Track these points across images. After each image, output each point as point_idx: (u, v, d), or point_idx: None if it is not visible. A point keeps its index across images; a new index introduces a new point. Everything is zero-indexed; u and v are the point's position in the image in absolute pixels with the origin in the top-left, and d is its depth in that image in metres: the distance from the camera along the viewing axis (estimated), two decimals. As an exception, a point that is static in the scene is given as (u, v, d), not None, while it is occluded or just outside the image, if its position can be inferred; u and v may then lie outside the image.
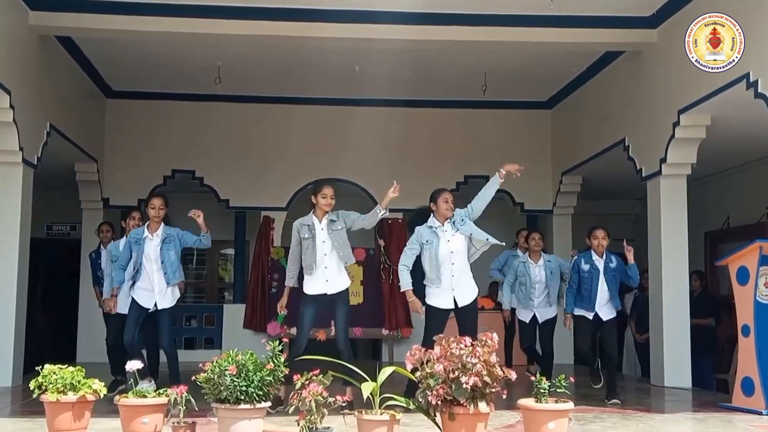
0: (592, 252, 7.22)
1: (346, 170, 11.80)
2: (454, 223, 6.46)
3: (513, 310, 8.34)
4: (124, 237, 7.44)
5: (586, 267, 7.17)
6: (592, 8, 8.39)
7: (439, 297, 6.40)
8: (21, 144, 8.10)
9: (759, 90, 6.69)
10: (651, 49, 8.78)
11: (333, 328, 6.61)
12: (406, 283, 6.43)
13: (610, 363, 7.27)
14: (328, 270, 6.47)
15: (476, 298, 6.53)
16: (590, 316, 7.16)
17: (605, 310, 7.17)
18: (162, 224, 6.91)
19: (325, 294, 6.47)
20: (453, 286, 6.37)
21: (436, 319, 6.39)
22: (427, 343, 6.02)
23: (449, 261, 6.37)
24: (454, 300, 6.38)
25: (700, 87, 7.64)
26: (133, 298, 6.86)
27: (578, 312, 7.24)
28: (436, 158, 11.87)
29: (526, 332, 7.97)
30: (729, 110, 7.76)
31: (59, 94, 9.39)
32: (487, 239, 6.38)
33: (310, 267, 6.45)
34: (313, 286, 6.48)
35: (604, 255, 7.19)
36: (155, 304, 6.81)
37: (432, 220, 6.52)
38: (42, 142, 8.74)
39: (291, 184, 11.79)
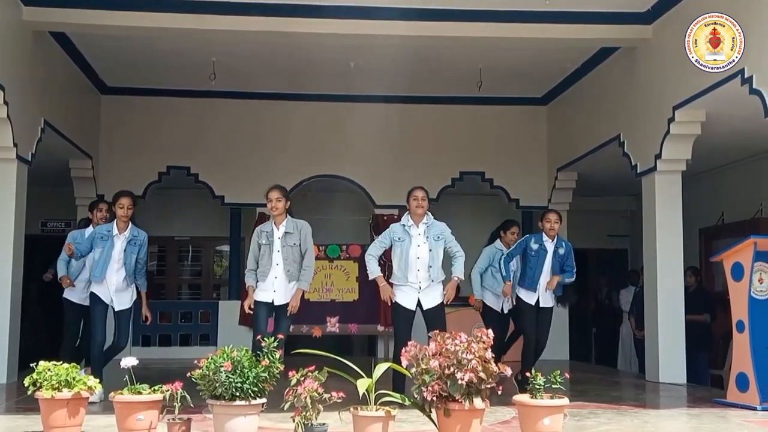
0: (543, 234, 7.26)
1: (341, 166, 11.80)
2: (428, 229, 6.44)
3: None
4: (90, 227, 7.33)
5: (534, 246, 7.21)
6: (588, 4, 8.39)
7: (405, 296, 6.42)
8: (15, 140, 8.07)
9: (754, 86, 6.69)
10: (646, 45, 8.79)
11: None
12: (374, 270, 6.50)
13: (539, 352, 7.26)
14: (277, 281, 6.44)
15: (442, 302, 6.46)
16: (532, 301, 7.18)
17: (546, 297, 7.20)
18: (129, 224, 6.88)
19: (272, 302, 6.47)
20: (419, 287, 6.38)
21: (401, 317, 6.42)
22: (398, 344, 6.09)
23: (415, 265, 6.37)
24: (419, 301, 6.39)
25: (695, 83, 7.65)
26: (94, 294, 6.80)
27: (522, 293, 7.24)
28: (432, 154, 11.86)
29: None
30: (724, 106, 7.76)
31: (54, 90, 9.36)
32: (454, 273, 6.37)
33: (263, 273, 6.45)
34: (261, 294, 6.48)
35: (555, 239, 7.23)
36: (111, 302, 6.80)
37: (405, 218, 6.53)
38: (36, 138, 8.71)
39: (287, 180, 11.62)
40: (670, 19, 8.23)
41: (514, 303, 7.46)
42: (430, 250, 6.38)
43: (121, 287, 6.79)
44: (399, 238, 6.44)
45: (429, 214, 6.54)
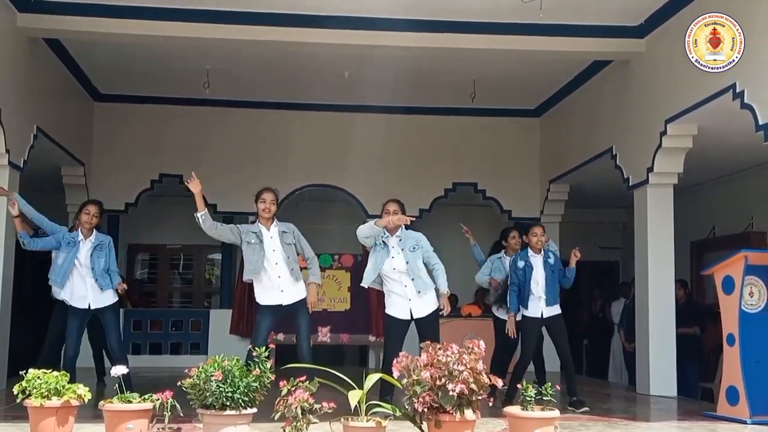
0: (529, 249, 7.30)
1: (334, 176, 11.81)
2: (401, 241, 6.27)
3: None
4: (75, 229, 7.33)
5: (521, 264, 7.25)
6: (581, 17, 8.43)
7: (396, 307, 6.29)
8: (7, 146, 8.04)
9: (745, 100, 6.74)
10: (639, 59, 8.83)
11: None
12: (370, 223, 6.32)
13: (566, 364, 7.29)
14: (282, 279, 6.38)
15: (436, 311, 6.32)
16: (537, 314, 7.19)
17: (548, 307, 7.20)
18: (94, 231, 6.98)
19: (281, 305, 6.40)
20: (409, 297, 6.23)
21: (390, 328, 6.31)
22: (386, 354, 6.02)
23: (394, 276, 6.24)
24: (411, 312, 6.26)
25: (687, 97, 7.69)
26: (71, 307, 6.85)
27: (524, 311, 7.26)
28: (424, 165, 11.88)
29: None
30: (716, 120, 7.81)
31: (47, 96, 9.34)
32: (440, 289, 6.26)
33: (255, 272, 6.35)
34: (267, 297, 6.41)
35: (542, 252, 7.26)
36: (89, 305, 6.84)
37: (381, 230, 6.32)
38: (29, 145, 8.69)
39: (279, 189, 11.68)
40: (662, 33, 8.28)
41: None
42: (407, 262, 6.20)
43: (96, 290, 6.85)
44: (376, 244, 6.31)
45: (402, 226, 6.35)
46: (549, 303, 7.21)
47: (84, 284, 6.85)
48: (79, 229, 6.96)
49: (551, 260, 7.26)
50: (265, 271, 6.37)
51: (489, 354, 6.93)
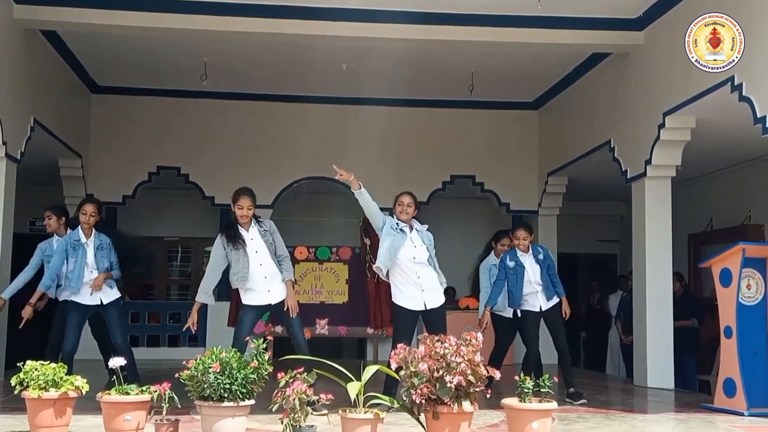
0: (517, 249, 7.36)
1: (331, 168, 11.73)
2: (421, 234, 6.36)
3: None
4: (55, 236, 7.38)
5: (511, 264, 7.30)
6: (579, 10, 8.41)
7: (407, 298, 6.28)
8: (4, 138, 8.03)
9: (744, 93, 6.73)
10: (637, 51, 8.82)
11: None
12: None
13: (563, 356, 7.34)
14: (268, 280, 6.27)
15: (445, 303, 6.40)
16: (535, 308, 7.27)
17: (543, 299, 7.27)
18: (94, 231, 6.96)
19: (270, 304, 6.33)
20: (423, 288, 6.25)
21: (402, 321, 6.30)
22: (395, 347, 5.99)
23: (413, 265, 6.24)
24: (424, 303, 6.25)
25: (685, 89, 7.68)
26: (73, 302, 6.84)
27: (523, 305, 7.33)
28: (423, 157, 11.86)
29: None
30: (714, 113, 7.80)
31: (44, 88, 9.32)
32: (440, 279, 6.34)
33: (243, 279, 6.23)
34: (255, 298, 6.30)
35: (530, 249, 7.34)
36: (100, 300, 6.88)
37: (394, 220, 6.38)
38: (26, 137, 8.67)
39: (277, 182, 11.76)
40: (661, 25, 8.27)
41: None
42: (429, 255, 6.30)
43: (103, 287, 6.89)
44: (392, 228, 6.28)
45: (416, 221, 6.43)
46: (547, 296, 7.28)
47: (89, 283, 6.86)
48: (80, 230, 6.93)
49: (541, 256, 7.34)
50: (251, 273, 6.25)
51: (487, 347, 6.93)
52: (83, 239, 6.89)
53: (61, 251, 6.86)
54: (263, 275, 6.27)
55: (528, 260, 7.31)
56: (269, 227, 6.42)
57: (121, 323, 7.09)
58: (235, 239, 6.22)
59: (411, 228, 6.38)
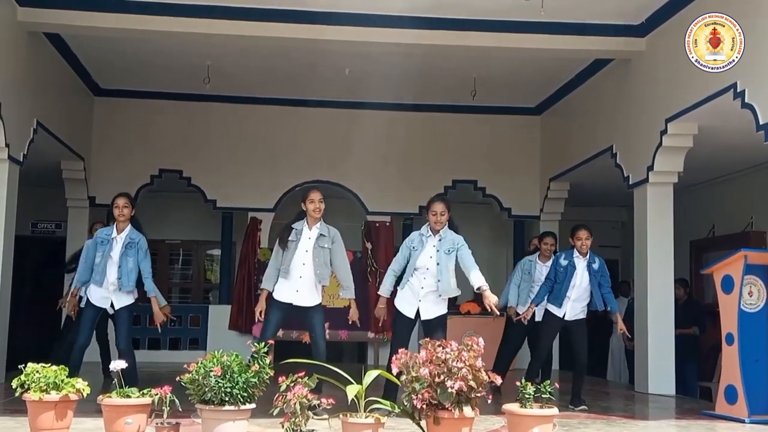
0: (575, 251, 7.22)
1: (334, 173, 11.80)
2: (440, 242, 6.20)
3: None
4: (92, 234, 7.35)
5: (564, 263, 7.18)
6: (582, 16, 8.42)
7: (406, 303, 6.28)
8: (7, 140, 8.04)
9: (746, 100, 6.73)
10: (639, 58, 8.83)
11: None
12: (384, 289, 6.38)
13: (579, 369, 7.28)
14: (302, 280, 6.30)
15: (444, 315, 6.26)
16: (560, 314, 7.17)
17: (575, 310, 7.16)
18: (129, 226, 6.79)
19: (292, 305, 6.34)
20: (420, 297, 6.21)
21: (398, 324, 6.30)
22: (393, 352, 5.99)
23: (422, 273, 6.19)
24: (418, 311, 6.23)
25: (687, 96, 7.69)
26: (87, 299, 6.80)
27: (550, 307, 7.25)
28: (425, 162, 11.88)
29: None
30: (716, 120, 7.81)
31: (47, 91, 9.34)
32: (477, 285, 6.03)
33: (285, 270, 6.29)
34: (283, 293, 6.33)
35: (588, 255, 7.18)
36: (112, 305, 6.77)
37: (425, 228, 6.34)
38: (29, 139, 8.69)
39: (279, 185, 11.77)
40: (663, 32, 8.27)
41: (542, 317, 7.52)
42: (438, 264, 6.12)
43: (114, 287, 6.71)
44: (414, 247, 6.24)
45: (446, 227, 6.27)
46: (582, 308, 7.17)
47: (107, 282, 6.68)
48: (115, 226, 6.81)
49: (595, 265, 7.15)
50: (291, 267, 6.28)
51: (489, 352, 6.93)
52: (114, 234, 6.75)
53: (93, 246, 6.83)
54: (299, 275, 6.29)
55: (581, 264, 7.14)
56: (331, 235, 6.42)
57: (128, 329, 6.85)
58: (286, 239, 6.33)
59: (436, 234, 6.24)
